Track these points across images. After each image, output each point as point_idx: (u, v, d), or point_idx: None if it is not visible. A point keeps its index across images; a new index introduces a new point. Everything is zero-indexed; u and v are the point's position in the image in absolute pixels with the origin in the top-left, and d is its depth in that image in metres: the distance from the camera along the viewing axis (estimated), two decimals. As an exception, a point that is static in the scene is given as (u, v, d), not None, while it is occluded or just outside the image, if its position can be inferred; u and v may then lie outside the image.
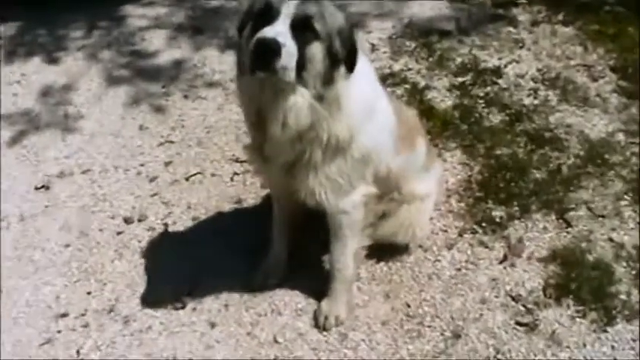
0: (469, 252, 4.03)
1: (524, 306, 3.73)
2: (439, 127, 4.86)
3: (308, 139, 3.01)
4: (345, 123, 3.00)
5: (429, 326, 3.65)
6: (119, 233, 4.30)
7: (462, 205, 4.31)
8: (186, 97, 5.41)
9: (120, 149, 4.95)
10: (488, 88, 5.26)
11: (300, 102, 2.84)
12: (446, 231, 4.16)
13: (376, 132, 3.24)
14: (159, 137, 5.02)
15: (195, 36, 6.21)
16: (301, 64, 2.73)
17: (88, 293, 3.94)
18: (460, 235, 4.12)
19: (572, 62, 5.53)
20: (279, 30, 2.65)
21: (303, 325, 3.69)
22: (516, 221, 4.19)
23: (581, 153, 4.65)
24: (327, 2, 2.81)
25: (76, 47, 6.19)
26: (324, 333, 3.64)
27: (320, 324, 3.66)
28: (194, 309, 3.80)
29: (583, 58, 5.58)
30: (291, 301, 3.81)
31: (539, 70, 5.45)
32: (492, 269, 3.93)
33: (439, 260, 3.99)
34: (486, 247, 4.05)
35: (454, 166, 4.59)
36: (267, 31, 2.64)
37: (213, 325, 3.71)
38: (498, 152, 4.66)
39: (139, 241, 4.24)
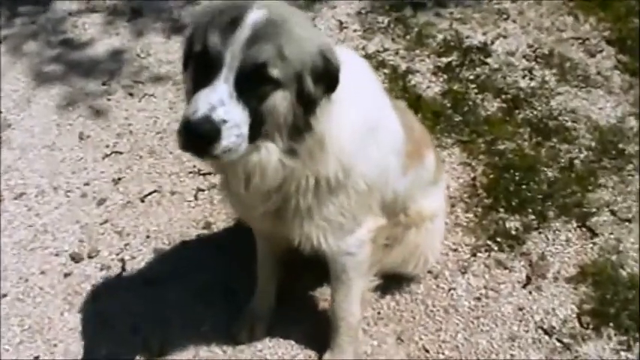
0: (487, 276, 3.42)
1: (559, 340, 3.17)
2: (430, 119, 4.19)
3: (287, 189, 2.37)
4: (334, 162, 2.35)
5: (455, 376, 3.03)
6: (67, 275, 3.53)
7: (470, 216, 3.68)
8: (131, 95, 4.58)
9: (58, 165, 4.12)
10: (478, 70, 4.60)
11: (264, 159, 2.19)
12: (456, 250, 3.53)
13: (381, 155, 2.59)
14: (103, 147, 4.21)
15: (134, 19, 5.29)
16: (260, 121, 2.07)
17: (36, 359, 3.16)
18: (474, 254, 3.50)
19: (564, 35, 4.90)
20: (220, 96, 1.95)
21: (304, 385, 3.02)
22: (534, 232, 3.60)
23: (593, 144, 4.07)
24: (290, 25, 2.07)
25: (-5, 39, 5.21)
26: (331, 395, 2.98)
27: (324, 383, 3.00)
28: (166, 371, 3.09)
29: (575, 29, 4.95)
30: (285, 355, 3.13)
31: (529, 45, 4.81)
32: (516, 295, 3.34)
33: (454, 289, 3.37)
34: (505, 267, 3.45)
35: (454, 167, 3.95)
36: (200, 105, 1.94)
37: (191, 393, 3.01)
38: (501, 147, 4.04)
39: (92, 285, 3.46)
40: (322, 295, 3.30)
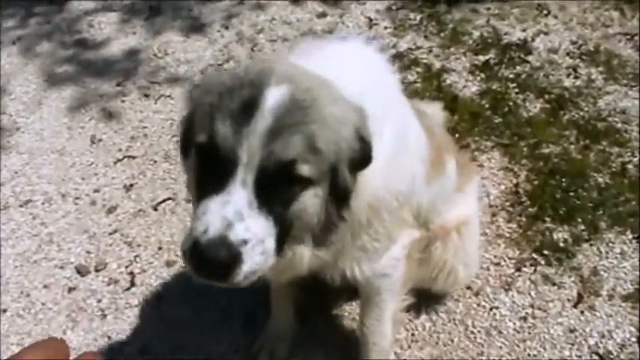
0: (533, 293, 3.03)
1: (617, 367, 2.73)
2: (467, 121, 3.80)
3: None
4: (363, 211, 2.00)
5: (501, 408, 2.64)
6: (71, 290, 3.20)
7: (514, 226, 3.29)
8: (146, 96, 4.25)
9: (67, 170, 3.81)
10: (518, 68, 4.21)
11: (294, 263, 1.92)
12: (499, 264, 3.14)
13: (409, 166, 2.19)
14: (115, 151, 3.88)
15: (152, 18, 4.98)
16: (287, 227, 1.70)
17: (33, 382, 2.82)
18: (518, 269, 3.11)
19: (611, 31, 4.49)
20: (237, 207, 1.55)
21: (328, 416, 2.66)
22: (585, 244, 3.20)
23: (647, 146, 3.63)
24: (321, 105, 1.64)
25: (9, 40, 4.92)
26: None
27: (352, 415, 2.63)
28: (178, 398, 2.74)
29: (622, 24, 4.54)
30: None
31: (573, 42, 4.40)
32: (567, 315, 2.95)
33: (497, 307, 2.98)
34: (554, 284, 3.05)
35: (494, 172, 3.55)
36: (212, 221, 1.54)
37: (205, 423, 2.66)
38: (546, 151, 3.64)
39: (99, 301, 3.15)
40: (349, 313, 2.93)
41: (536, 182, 3.48)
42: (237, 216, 1.54)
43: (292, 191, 1.64)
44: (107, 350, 2.94)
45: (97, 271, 3.26)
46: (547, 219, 3.31)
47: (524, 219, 3.32)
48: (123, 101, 4.23)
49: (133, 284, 3.18)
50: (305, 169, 1.60)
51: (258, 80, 1.60)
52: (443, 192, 2.55)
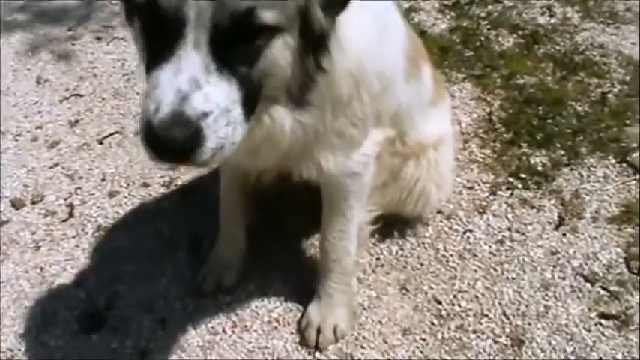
0: (510, 216, 2.67)
1: (604, 288, 2.42)
2: (437, 54, 3.45)
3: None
4: (347, 76, 1.70)
5: (475, 331, 2.28)
6: (3, 223, 2.78)
7: (487, 152, 2.94)
8: (98, 39, 3.85)
9: (9, 109, 3.39)
10: (490, 7, 3.88)
11: (274, 129, 1.61)
12: (472, 188, 2.79)
13: (394, 52, 1.95)
14: (62, 90, 3.48)
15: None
16: (256, 87, 1.41)
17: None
18: (493, 192, 2.76)
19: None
20: (191, 74, 1.26)
21: (283, 343, 2.27)
22: (565, 169, 2.86)
23: (627, 77, 3.32)
24: None
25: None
26: (318, 354, 2.22)
27: (309, 340, 2.28)
28: (114, 329, 2.35)
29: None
30: (260, 308, 2.38)
31: (546, -17, 4.05)
32: (547, 238, 2.61)
33: (471, 231, 2.62)
34: (532, 207, 2.71)
35: (466, 102, 3.21)
36: (164, 94, 1.25)
37: (144, 354, 2.26)
38: (521, 81, 3.31)
39: (33, 233, 2.74)
40: (306, 237, 2.55)
41: (510, 110, 3.14)
42: (193, 84, 1.25)
43: (256, 45, 1.34)
44: (39, 283, 2.53)
45: (33, 203, 2.86)
46: (523, 145, 2.97)
47: (498, 145, 2.97)
48: (73, 44, 3.82)
49: (71, 215, 2.78)
50: (267, 16, 1.29)
51: None
52: (419, 100, 2.28)
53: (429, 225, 2.63)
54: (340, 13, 1.46)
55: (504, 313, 2.34)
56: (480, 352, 2.23)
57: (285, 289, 2.43)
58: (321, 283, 2.31)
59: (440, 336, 2.28)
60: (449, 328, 2.30)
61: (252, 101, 1.39)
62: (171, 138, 1.25)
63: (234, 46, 1.29)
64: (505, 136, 3.00)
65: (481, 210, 2.69)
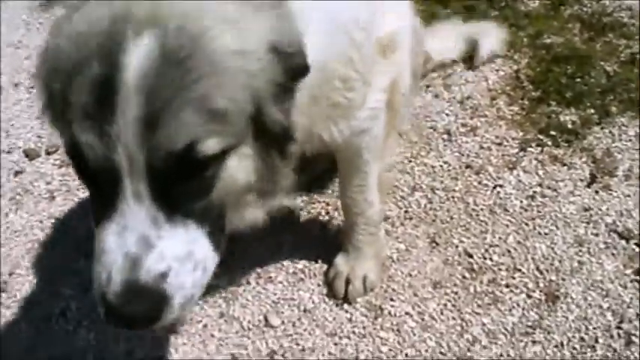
0: (541, 172, 2.55)
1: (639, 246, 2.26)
2: (462, 13, 3.31)
3: None
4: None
5: (508, 285, 2.17)
6: (18, 173, 2.67)
7: (516, 109, 2.82)
8: (114, -5, 3.71)
9: (22, 62, 3.27)
10: (514, -31, 3.71)
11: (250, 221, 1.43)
12: (500, 144, 2.67)
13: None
14: (77, 44, 3.34)
15: None
16: (218, 211, 1.23)
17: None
18: (522, 149, 2.64)
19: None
20: (139, 233, 1.10)
21: (309, 295, 2.17)
22: (595, 127, 2.73)
23: (657, 39, 3.16)
24: (207, 39, 1.10)
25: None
26: (346, 306, 2.12)
27: (338, 291, 2.17)
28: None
29: None
30: (283, 260, 2.25)
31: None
32: (580, 195, 2.48)
33: (501, 186, 2.51)
34: (563, 164, 2.58)
35: (492, 59, 3.05)
36: (114, 262, 1.09)
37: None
38: (548, 41, 3.16)
39: (47, 183, 2.63)
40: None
41: (538, 69, 3.01)
42: (143, 245, 1.09)
43: (207, 176, 1.15)
44: (53, 232, 2.43)
45: (47, 154, 2.76)
46: (552, 102, 2.84)
47: (526, 102, 2.85)
48: (87, -1, 3.69)
49: (87, 166, 2.66)
50: (211, 145, 1.11)
51: (110, 37, 1.07)
52: None
53: (458, 179, 2.52)
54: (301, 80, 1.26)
55: (537, 268, 2.23)
56: (513, 307, 2.13)
57: (308, 240, 2.33)
58: (347, 237, 2.19)
59: (472, 290, 2.18)
60: (481, 282, 2.20)
61: (219, 227, 1.22)
62: (131, 311, 1.10)
63: (182, 185, 1.12)
64: (533, 93, 2.88)
65: (511, 166, 2.58)
